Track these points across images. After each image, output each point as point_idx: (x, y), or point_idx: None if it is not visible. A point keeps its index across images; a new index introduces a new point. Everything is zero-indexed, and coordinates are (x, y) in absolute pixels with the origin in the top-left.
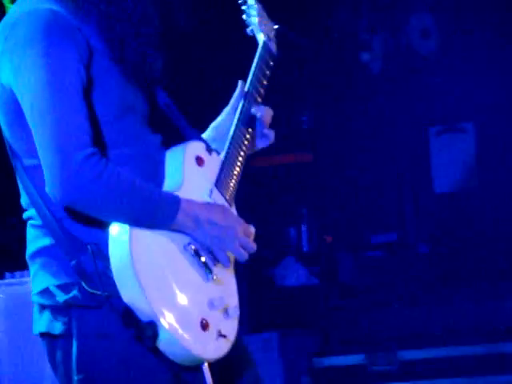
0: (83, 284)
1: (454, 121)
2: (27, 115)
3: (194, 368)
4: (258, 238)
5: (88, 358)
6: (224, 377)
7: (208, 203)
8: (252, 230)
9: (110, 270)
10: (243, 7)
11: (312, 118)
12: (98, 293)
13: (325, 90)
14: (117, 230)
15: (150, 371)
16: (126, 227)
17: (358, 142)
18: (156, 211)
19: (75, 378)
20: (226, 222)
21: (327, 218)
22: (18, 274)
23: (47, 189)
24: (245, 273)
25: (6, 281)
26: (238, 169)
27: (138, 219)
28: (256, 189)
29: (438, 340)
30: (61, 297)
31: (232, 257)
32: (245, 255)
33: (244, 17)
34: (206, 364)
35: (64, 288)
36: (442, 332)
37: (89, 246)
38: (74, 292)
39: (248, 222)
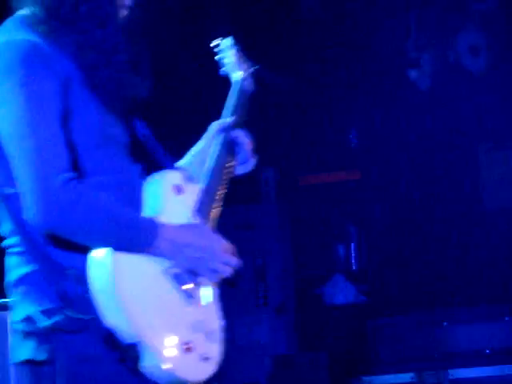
0: (66, 309)
1: (502, 138)
2: (6, 143)
3: None
4: (307, 256)
5: (74, 383)
6: None
7: (185, 225)
8: (230, 246)
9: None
10: (219, 49)
11: (360, 136)
12: (81, 317)
13: (373, 108)
14: (98, 254)
15: None
16: (108, 251)
17: (406, 159)
18: (134, 236)
19: None
20: (205, 242)
21: (375, 236)
22: None
23: (25, 215)
24: (294, 291)
25: None
26: (217, 197)
27: (117, 244)
28: (305, 206)
29: (488, 359)
30: (44, 322)
31: (215, 277)
32: (229, 271)
33: (218, 57)
34: None
35: (46, 314)
36: (492, 351)
37: (70, 271)
38: (57, 317)
39: (298, 239)
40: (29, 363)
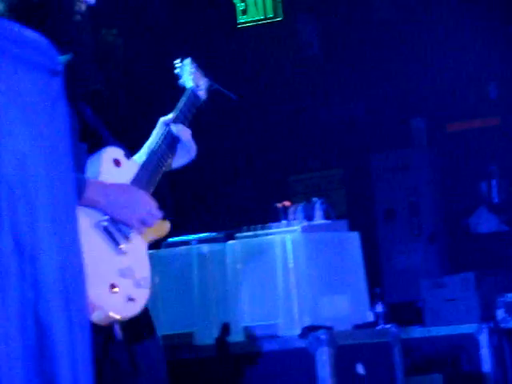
0: None
1: None
2: None
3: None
4: (455, 192)
5: None
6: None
7: (113, 183)
8: (154, 200)
9: None
10: (177, 64)
11: (498, 87)
12: None
13: (508, 62)
14: None
15: None
16: None
17: None
18: None
19: None
20: (132, 195)
21: None
22: (252, 227)
23: None
24: (444, 223)
25: (244, 234)
26: (154, 177)
27: None
28: (452, 150)
29: None
30: None
31: (143, 229)
32: (151, 222)
33: (177, 70)
34: (116, 324)
35: None
36: None
37: None
38: None
39: (446, 178)
40: None
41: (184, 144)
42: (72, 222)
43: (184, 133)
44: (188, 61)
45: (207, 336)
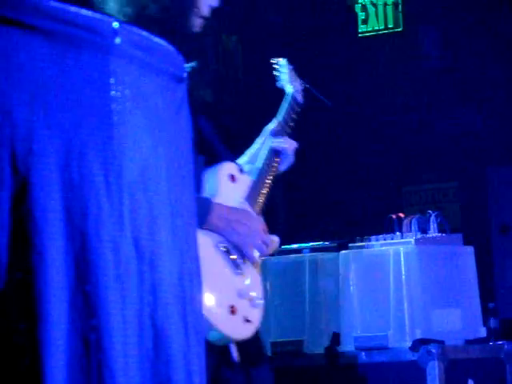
0: None
1: None
2: None
3: (221, 347)
4: None
5: None
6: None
7: (234, 207)
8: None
9: None
10: (276, 66)
11: None
12: None
13: None
14: None
15: None
16: None
17: None
18: None
19: None
20: (250, 222)
21: None
22: (366, 238)
23: None
24: None
25: (357, 244)
26: (265, 188)
27: None
28: None
29: None
30: None
31: (257, 254)
32: (266, 249)
33: (275, 73)
34: (233, 345)
35: None
36: None
37: None
38: None
39: None
40: None
41: (286, 155)
42: (190, 228)
43: (287, 145)
44: (284, 62)
45: (317, 344)
